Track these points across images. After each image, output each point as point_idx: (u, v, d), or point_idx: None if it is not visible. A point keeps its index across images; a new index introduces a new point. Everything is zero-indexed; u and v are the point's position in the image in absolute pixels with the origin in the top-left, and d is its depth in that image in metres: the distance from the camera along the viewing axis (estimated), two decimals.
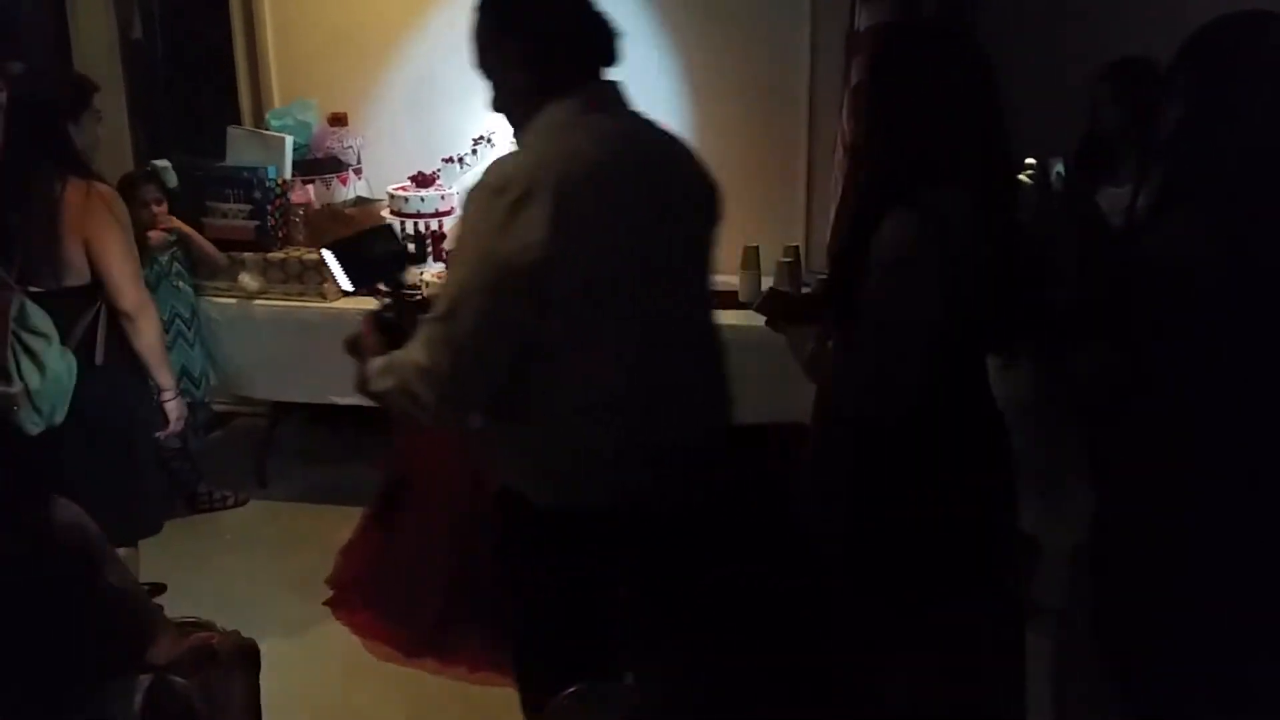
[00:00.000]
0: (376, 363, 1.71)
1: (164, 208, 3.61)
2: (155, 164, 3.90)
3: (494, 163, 1.71)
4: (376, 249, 2.00)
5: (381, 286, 1.95)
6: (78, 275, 2.60)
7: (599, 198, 1.60)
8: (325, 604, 3.27)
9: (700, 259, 1.87)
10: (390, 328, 1.83)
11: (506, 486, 1.75)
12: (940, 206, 1.66)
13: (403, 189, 3.95)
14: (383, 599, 3.20)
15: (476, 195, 1.62)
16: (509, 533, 1.77)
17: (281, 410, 4.20)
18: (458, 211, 4.03)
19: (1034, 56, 3.39)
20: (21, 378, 2.43)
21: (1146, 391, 1.68)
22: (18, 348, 2.43)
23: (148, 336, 2.72)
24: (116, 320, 2.67)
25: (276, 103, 4.26)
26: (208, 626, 1.85)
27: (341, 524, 3.52)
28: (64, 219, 2.52)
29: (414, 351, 1.64)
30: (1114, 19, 3.43)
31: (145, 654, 1.60)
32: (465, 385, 1.63)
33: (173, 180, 3.83)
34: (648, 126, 1.81)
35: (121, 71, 4.50)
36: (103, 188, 2.63)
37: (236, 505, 3.97)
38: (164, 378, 2.81)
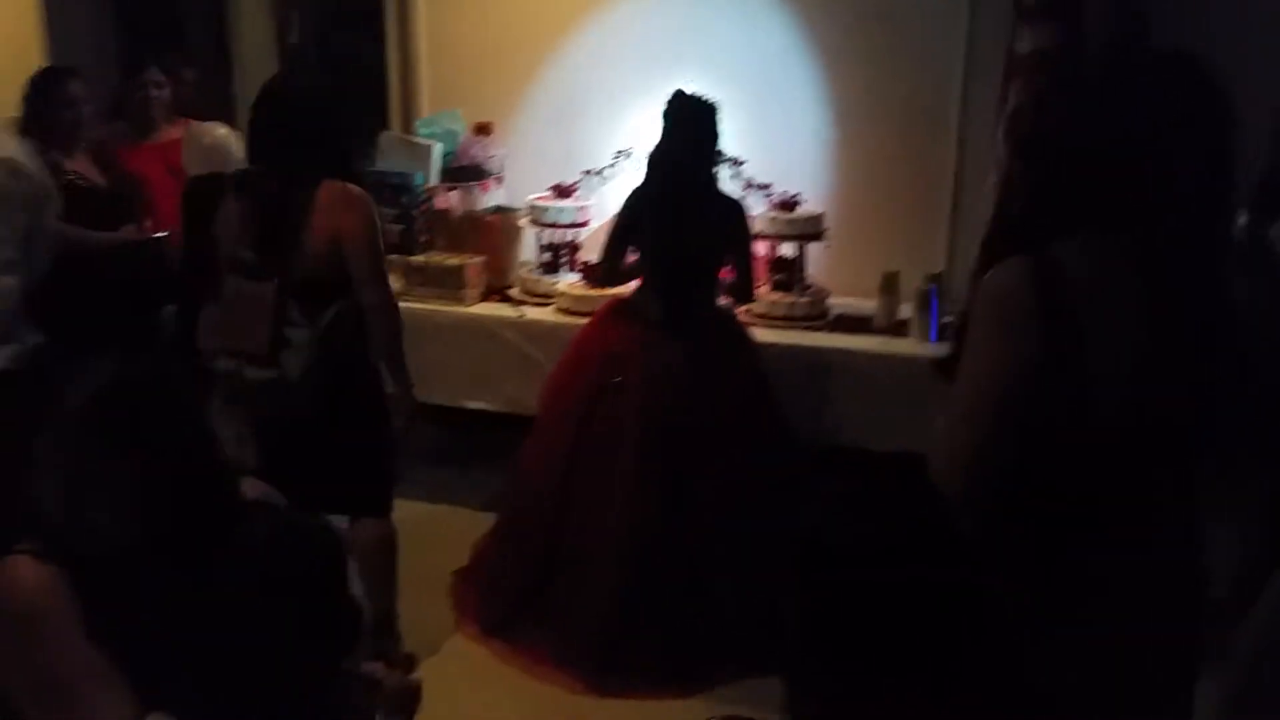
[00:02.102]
0: None
1: None
2: None
3: None
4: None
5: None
6: (326, 270, 2.63)
7: None
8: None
9: None
10: None
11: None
12: (1067, 255, 1.45)
13: (542, 199, 3.99)
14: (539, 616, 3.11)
15: None
16: None
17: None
18: (594, 223, 4.06)
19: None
20: (280, 365, 2.56)
21: None
22: (279, 337, 2.56)
23: (391, 331, 2.76)
24: (358, 315, 2.69)
25: (425, 111, 4.37)
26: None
27: (468, 525, 3.56)
28: (317, 216, 2.58)
29: None
30: None
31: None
32: None
33: None
34: None
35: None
36: (355, 188, 2.68)
37: None
38: (402, 373, 2.82)
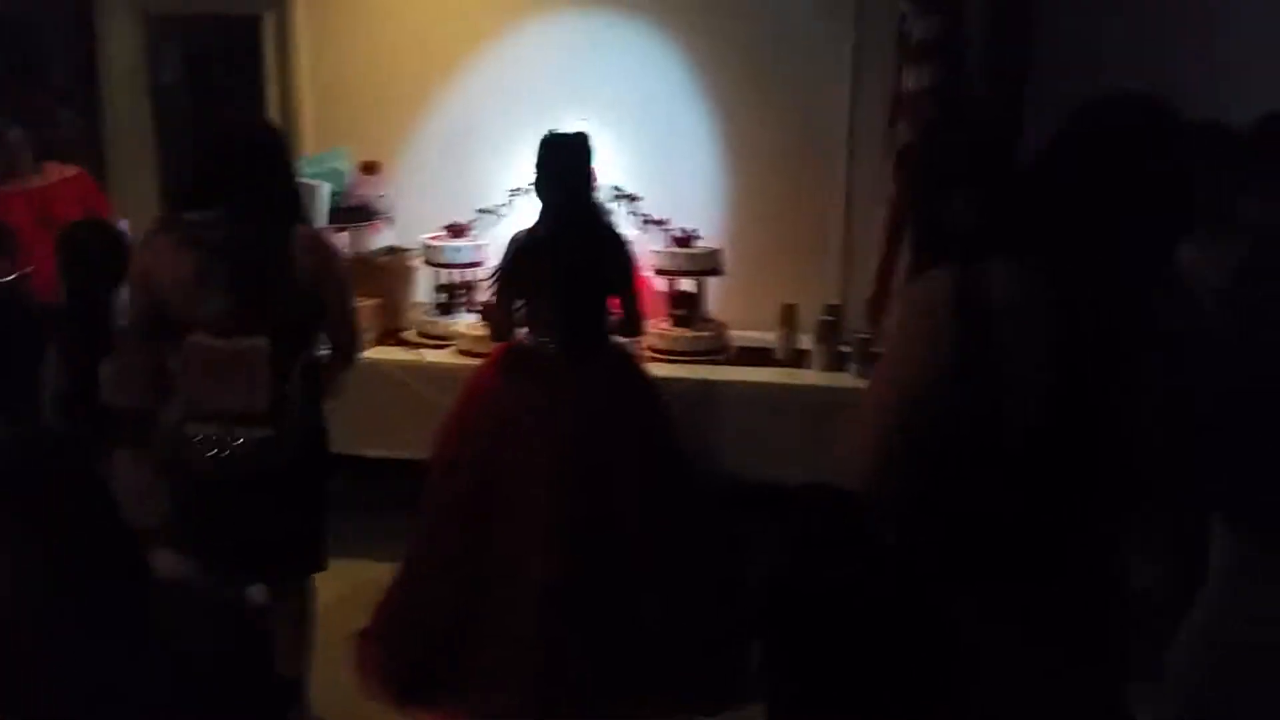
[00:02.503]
0: None
1: None
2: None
3: None
4: None
5: None
6: (300, 318, 2.54)
7: None
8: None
9: None
10: None
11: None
12: (992, 271, 1.48)
13: (436, 238, 3.92)
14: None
15: None
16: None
17: None
18: (491, 262, 4.00)
19: None
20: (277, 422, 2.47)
21: None
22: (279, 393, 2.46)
23: (349, 369, 2.75)
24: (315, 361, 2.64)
25: (309, 151, 4.25)
26: None
27: (372, 578, 3.43)
28: (296, 263, 2.47)
29: None
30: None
31: None
32: None
33: None
34: None
35: (151, 116, 4.49)
36: (327, 236, 2.61)
37: None
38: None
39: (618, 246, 3.12)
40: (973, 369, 1.44)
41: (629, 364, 3.25)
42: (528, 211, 3.99)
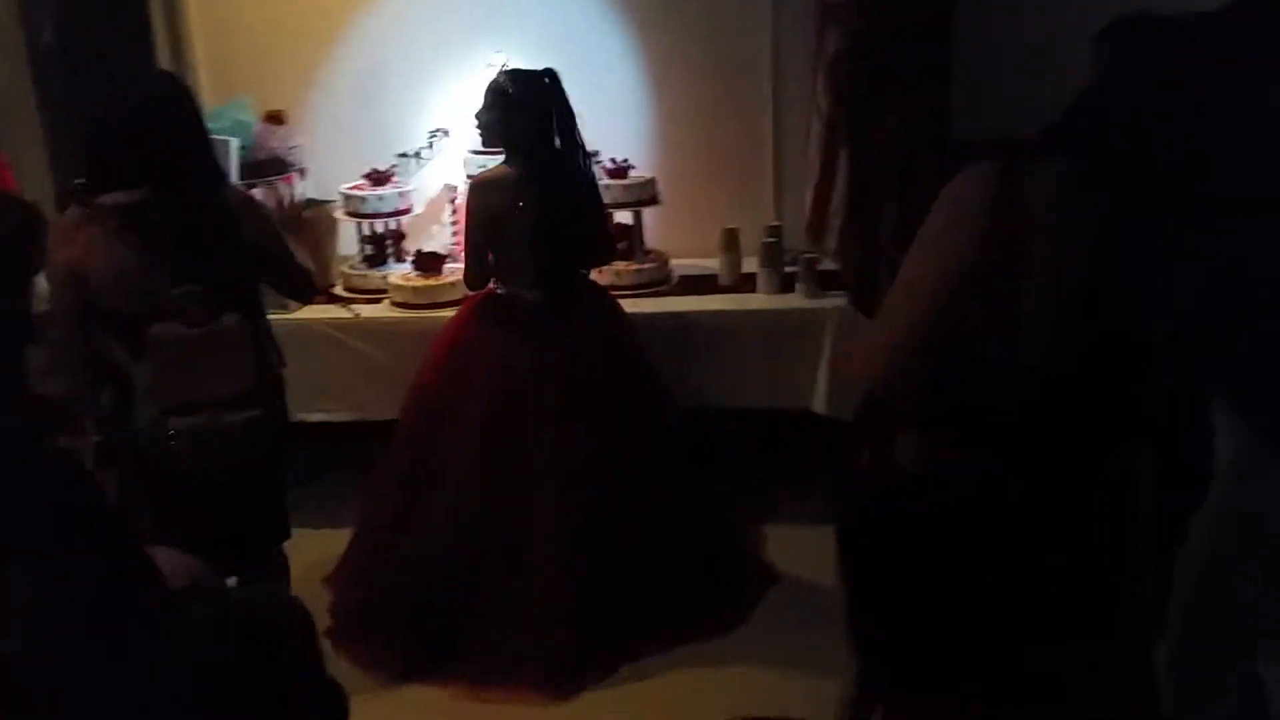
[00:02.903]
0: None
1: None
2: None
3: None
4: None
5: None
6: (249, 283, 2.46)
7: None
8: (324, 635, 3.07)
9: None
10: None
11: None
12: (1034, 171, 1.45)
13: (357, 188, 3.74)
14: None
15: None
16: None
17: None
18: (418, 208, 3.86)
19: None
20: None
21: None
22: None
23: None
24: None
25: (208, 105, 4.00)
26: None
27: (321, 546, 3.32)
28: (240, 230, 2.37)
29: None
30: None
31: None
32: None
33: None
34: None
35: (32, 80, 4.16)
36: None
37: None
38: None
39: (589, 183, 3.05)
40: (1008, 271, 1.42)
41: (606, 299, 3.20)
42: (449, 153, 3.88)
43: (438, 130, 3.85)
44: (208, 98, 4.01)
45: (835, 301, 3.36)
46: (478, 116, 3.19)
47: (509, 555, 2.88)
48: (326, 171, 3.93)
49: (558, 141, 2.95)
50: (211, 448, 2.28)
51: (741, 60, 3.87)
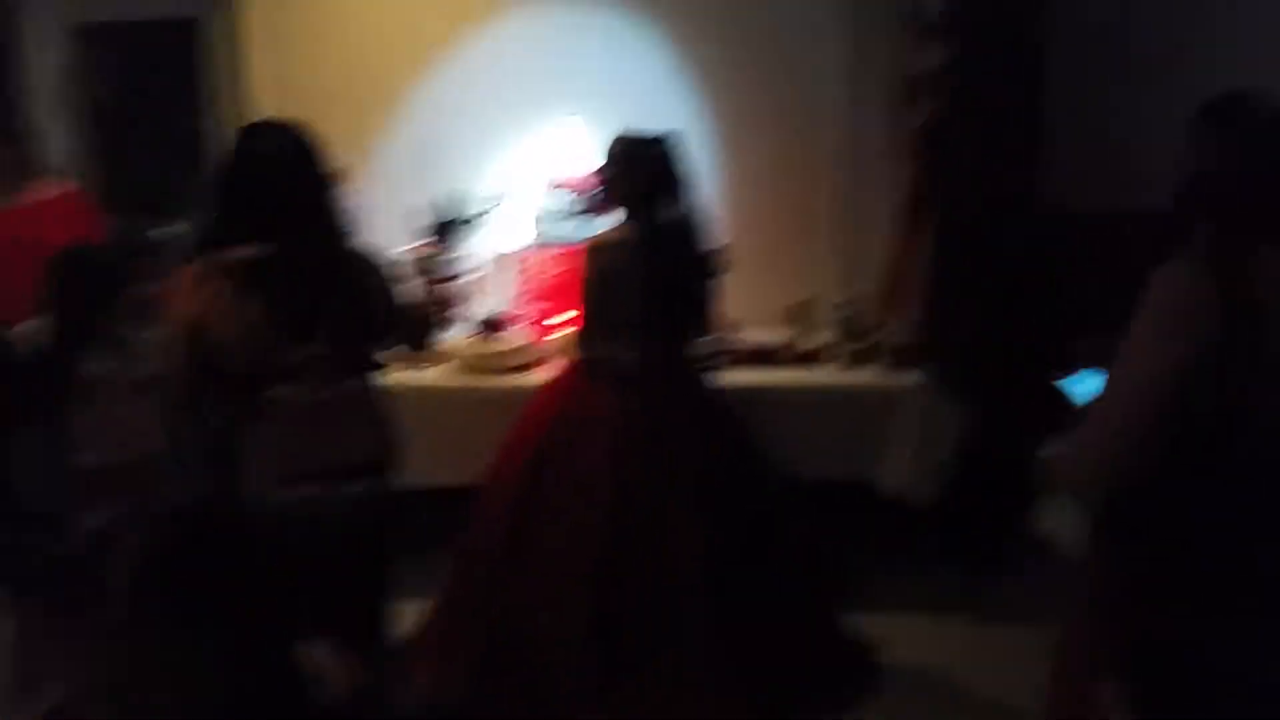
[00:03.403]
0: None
1: None
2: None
3: None
4: None
5: None
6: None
7: None
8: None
9: None
10: None
11: None
12: (1250, 263, 1.40)
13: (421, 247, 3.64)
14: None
15: None
16: None
17: None
18: (476, 272, 3.76)
19: None
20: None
21: None
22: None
23: None
24: None
25: None
26: None
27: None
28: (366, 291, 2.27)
29: None
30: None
31: None
32: None
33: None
34: None
35: (82, 133, 4.12)
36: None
37: None
38: None
39: (703, 249, 2.96)
40: (1236, 365, 1.33)
41: (702, 378, 3.07)
42: (507, 219, 3.80)
43: (494, 196, 3.77)
44: None
45: (919, 379, 3.26)
46: (600, 174, 3.05)
47: (638, 619, 2.75)
48: (379, 233, 3.85)
49: (677, 205, 2.88)
50: (327, 519, 2.13)
51: (813, 124, 3.82)
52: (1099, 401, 1.46)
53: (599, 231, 3.00)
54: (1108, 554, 1.53)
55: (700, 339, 3.03)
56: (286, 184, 2.15)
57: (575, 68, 3.82)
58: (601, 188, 2.98)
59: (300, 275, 2.13)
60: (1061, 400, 1.71)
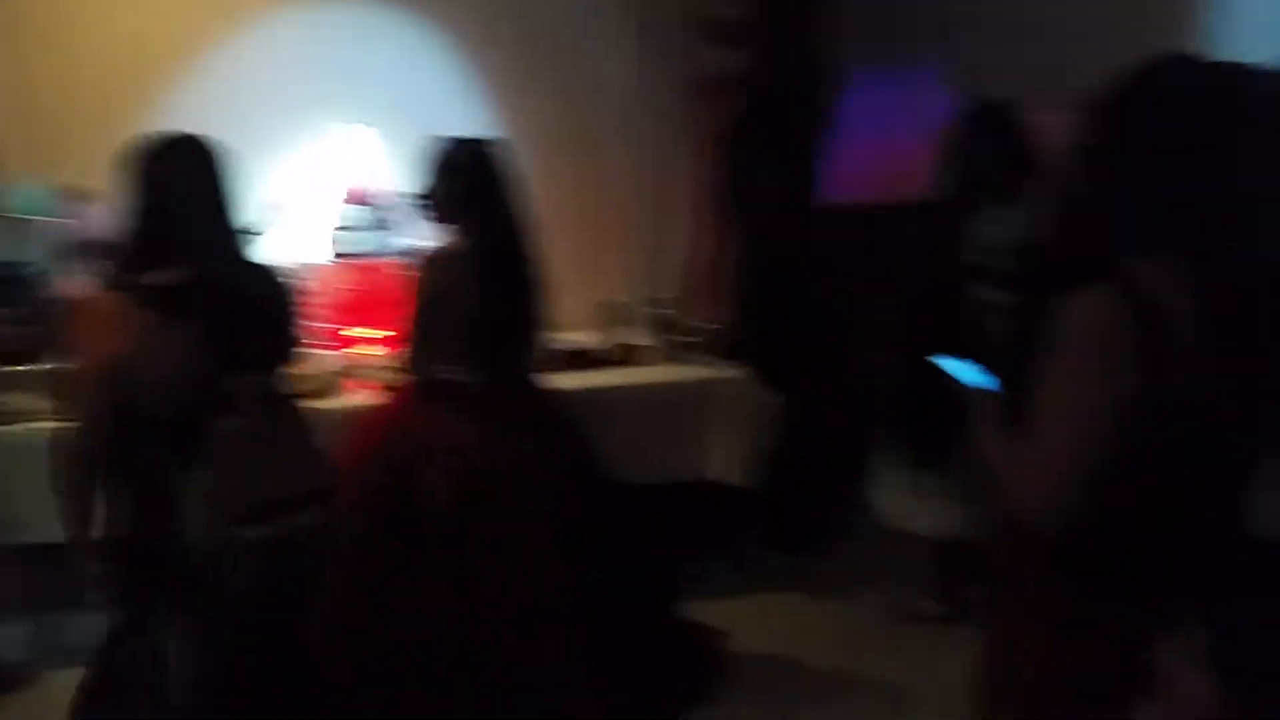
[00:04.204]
0: None
1: None
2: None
3: None
4: None
5: None
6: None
7: None
8: None
9: None
10: None
11: None
12: (1145, 279, 1.41)
13: None
14: None
15: None
16: None
17: None
18: None
19: None
20: None
21: None
22: None
23: None
24: None
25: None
26: None
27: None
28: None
29: None
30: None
31: None
32: None
33: None
34: None
35: None
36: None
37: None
38: None
39: (535, 262, 2.80)
40: (1165, 381, 1.40)
41: (544, 394, 2.95)
42: (281, 232, 3.55)
43: (272, 204, 3.52)
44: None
45: (735, 372, 3.35)
46: (430, 186, 2.82)
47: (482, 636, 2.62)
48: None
49: (504, 213, 2.75)
50: (285, 557, 1.94)
51: (604, 128, 3.84)
52: (1028, 442, 1.46)
53: (425, 245, 2.82)
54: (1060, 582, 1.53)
55: (533, 350, 2.93)
56: (199, 203, 1.99)
57: (356, 70, 3.65)
58: (423, 197, 2.81)
59: (222, 299, 1.94)
60: (944, 377, 1.74)
